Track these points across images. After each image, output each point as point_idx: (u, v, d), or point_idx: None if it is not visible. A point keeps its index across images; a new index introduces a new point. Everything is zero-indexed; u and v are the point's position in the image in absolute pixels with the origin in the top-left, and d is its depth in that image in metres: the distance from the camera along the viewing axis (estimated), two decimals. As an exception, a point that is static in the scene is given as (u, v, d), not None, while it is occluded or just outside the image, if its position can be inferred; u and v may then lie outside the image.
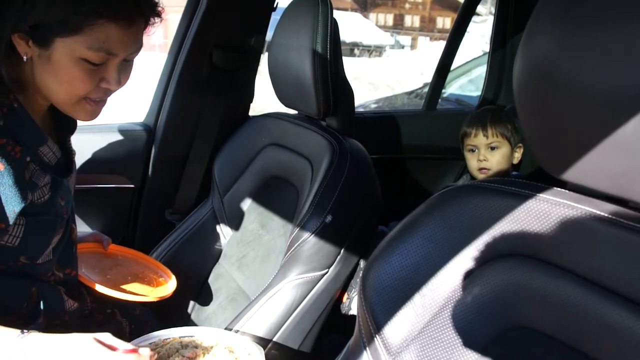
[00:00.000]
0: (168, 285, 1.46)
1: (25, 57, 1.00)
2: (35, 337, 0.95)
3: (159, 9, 1.08)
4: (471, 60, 4.40)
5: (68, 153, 1.20)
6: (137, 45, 1.06)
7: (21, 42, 0.99)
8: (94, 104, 1.07)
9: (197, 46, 1.85)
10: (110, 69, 1.04)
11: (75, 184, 1.27)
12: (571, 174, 0.70)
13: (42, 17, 0.96)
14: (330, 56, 1.48)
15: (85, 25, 0.96)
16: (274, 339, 1.40)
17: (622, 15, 0.60)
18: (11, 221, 1.00)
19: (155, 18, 1.08)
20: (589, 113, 0.64)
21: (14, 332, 0.95)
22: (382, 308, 0.85)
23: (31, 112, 1.06)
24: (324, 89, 1.50)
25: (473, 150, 1.87)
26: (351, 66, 11.54)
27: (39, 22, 0.96)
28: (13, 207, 0.99)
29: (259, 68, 1.99)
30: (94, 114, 1.09)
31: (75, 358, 0.94)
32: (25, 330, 0.95)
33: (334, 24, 1.50)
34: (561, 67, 0.65)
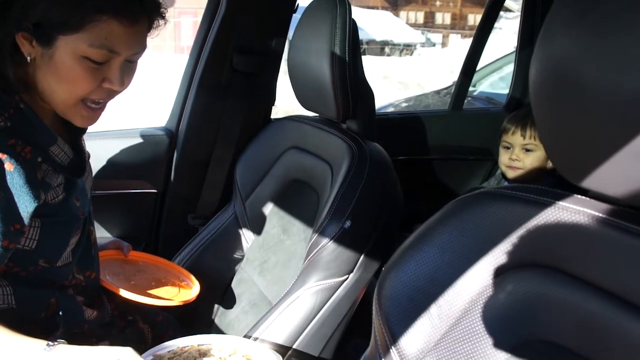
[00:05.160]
0: (192, 290, 1.46)
1: (29, 58, 1.00)
2: (62, 350, 0.96)
3: (163, 10, 1.08)
4: (502, 57, 4.34)
5: (80, 153, 1.20)
6: (141, 46, 1.06)
7: (25, 42, 0.99)
8: (91, 111, 1.07)
9: (218, 50, 1.85)
10: (113, 69, 1.03)
11: (91, 185, 1.28)
12: (590, 182, 0.67)
13: (45, 14, 0.96)
14: (349, 58, 1.46)
15: (87, 22, 0.96)
16: (294, 346, 1.38)
17: None
18: (26, 221, 1.00)
19: (160, 20, 1.08)
20: (608, 119, 0.61)
21: (41, 344, 0.95)
22: (398, 318, 0.83)
23: (38, 112, 1.06)
24: (343, 92, 1.48)
25: (508, 148, 1.84)
26: (381, 65, 11.52)
27: (42, 19, 0.97)
28: (26, 207, 1.00)
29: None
30: (90, 120, 1.10)
31: None
32: (52, 343, 0.96)
33: (353, 26, 1.48)
34: (579, 71, 0.62)
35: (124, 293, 1.28)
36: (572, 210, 0.71)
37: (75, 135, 1.20)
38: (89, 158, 1.25)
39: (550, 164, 1.79)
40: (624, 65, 0.58)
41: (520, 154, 1.79)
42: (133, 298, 1.28)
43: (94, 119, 1.10)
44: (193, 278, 1.52)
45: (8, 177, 0.97)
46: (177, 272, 1.55)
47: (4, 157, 0.96)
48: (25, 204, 0.99)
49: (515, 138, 1.80)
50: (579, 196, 0.73)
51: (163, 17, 1.09)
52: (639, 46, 0.57)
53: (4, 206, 0.97)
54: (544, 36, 0.67)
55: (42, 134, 1.06)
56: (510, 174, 1.82)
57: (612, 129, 0.61)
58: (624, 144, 0.60)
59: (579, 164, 0.67)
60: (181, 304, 1.37)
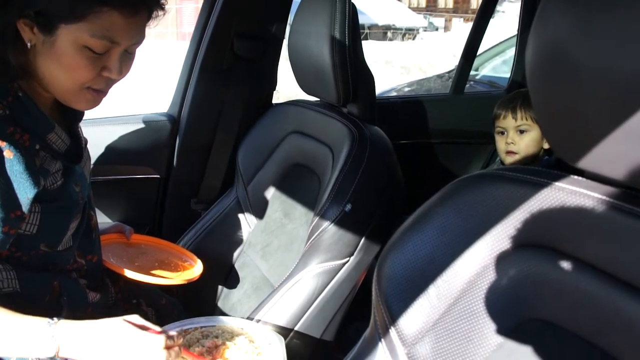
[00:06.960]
0: (194, 269, 1.48)
1: (29, 44, 1.01)
2: (65, 324, 0.97)
3: (163, 1, 1.09)
4: (505, 41, 4.31)
5: (77, 140, 1.21)
6: (140, 36, 1.07)
7: (26, 29, 1.00)
8: (95, 93, 1.08)
9: (219, 35, 1.85)
10: (112, 58, 1.04)
11: (90, 170, 1.29)
12: (587, 162, 0.67)
13: (48, 3, 0.97)
14: (349, 42, 1.46)
15: (89, 12, 0.97)
16: (296, 328, 1.40)
17: None
18: (25, 208, 1.01)
19: (159, 11, 1.09)
20: (605, 99, 0.61)
21: (44, 320, 0.97)
22: (397, 299, 0.84)
23: (36, 100, 1.07)
24: (343, 76, 1.48)
25: (502, 133, 1.84)
26: (383, 50, 11.44)
27: (45, 8, 0.97)
28: (26, 193, 1.01)
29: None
30: (94, 103, 1.10)
31: (106, 340, 0.96)
32: (55, 318, 0.97)
33: (353, 9, 1.48)
34: (576, 50, 0.62)
35: (129, 273, 1.29)
36: (568, 191, 0.71)
37: (71, 122, 1.21)
38: (86, 144, 1.26)
39: (547, 144, 1.79)
40: (621, 46, 0.58)
41: (515, 137, 1.79)
42: (138, 278, 1.29)
43: (97, 102, 1.11)
44: (195, 257, 1.54)
45: (7, 165, 0.98)
46: (180, 253, 1.57)
47: (3, 144, 0.97)
48: (25, 191, 1.01)
49: (508, 122, 1.80)
50: (576, 177, 0.73)
51: (162, 8, 1.10)
52: (636, 26, 0.57)
53: (4, 193, 0.98)
54: (540, 16, 0.67)
55: (40, 121, 1.07)
56: (508, 159, 1.83)
57: (608, 110, 0.61)
58: (620, 125, 0.60)
59: (576, 144, 0.67)
60: (185, 282, 1.39)
